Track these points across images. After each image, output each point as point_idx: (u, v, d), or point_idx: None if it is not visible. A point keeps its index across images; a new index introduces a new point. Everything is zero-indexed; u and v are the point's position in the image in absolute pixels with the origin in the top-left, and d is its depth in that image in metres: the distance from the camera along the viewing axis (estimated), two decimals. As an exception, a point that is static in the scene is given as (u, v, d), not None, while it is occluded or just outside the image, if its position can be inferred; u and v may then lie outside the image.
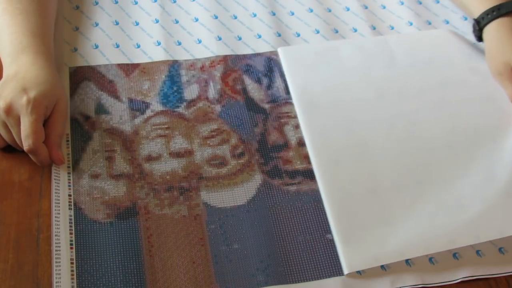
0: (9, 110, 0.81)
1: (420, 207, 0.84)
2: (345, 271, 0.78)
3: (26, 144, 0.80)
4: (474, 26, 1.02)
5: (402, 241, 0.81)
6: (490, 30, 0.99)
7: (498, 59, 0.97)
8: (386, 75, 1.00)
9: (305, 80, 0.98)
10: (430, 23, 1.11)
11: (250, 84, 0.97)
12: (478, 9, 1.01)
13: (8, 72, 0.85)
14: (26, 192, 0.83)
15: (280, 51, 1.02)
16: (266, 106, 0.95)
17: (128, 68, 0.98)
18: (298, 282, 0.77)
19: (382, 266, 0.79)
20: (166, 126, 0.91)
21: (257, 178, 0.86)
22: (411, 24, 1.10)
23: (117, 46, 1.01)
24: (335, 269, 0.78)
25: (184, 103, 0.94)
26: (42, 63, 0.86)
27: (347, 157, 0.89)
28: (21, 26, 0.89)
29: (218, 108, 0.94)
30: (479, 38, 1.02)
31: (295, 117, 0.94)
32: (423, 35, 1.09)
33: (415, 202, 0.85)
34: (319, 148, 0.89)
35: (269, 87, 0.97)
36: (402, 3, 1.14)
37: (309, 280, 0.77)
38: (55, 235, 0.77)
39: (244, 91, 0.96)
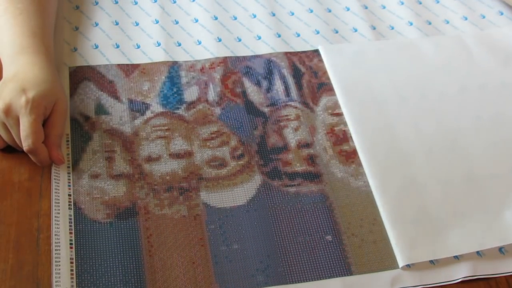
0: (8, 110, 0.80)
1: None
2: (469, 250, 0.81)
3: (25, 144, 0.80)
4: None
5: (504, 226, 0.83)
6: None
7: None
8: (467, 71, 1.03)
9: (365, 77, 1.00)
10: (430, 23, 1.11)
11: (250, 87, 0.97)
12: None
13: (8, 72, 0.85)
14: (26, 192, 0.83)
15: (322, 50, 1.04)
16: (266, 109, 0.95)
17: (128, 69, 0.97)
18: (298, 283, 0.77)
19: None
20: (166, 127, 0.91)
21: (257, 179, 0.86)
22: (411, 24, 1.10)
23: (117, 47, 1.01)
24: (334, 270, 0.78)
25: (184, 105, 0.94)
26: (42, 63, 0.86)
27: (438, 147, 0.92)
28: (21, 26, 0.89)
29: (218, 110, 0.94)
30: None
31: (295, 119, 0.94)
32: (497, 31, 1.11)
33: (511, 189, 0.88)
34: (379, 143, 0.91)
35: (268, 90, 0.97)
36: (402, 3, 1.14)
37: (309, 281, 0.78)
38: (55, 235, 0.77)
39: (244, 94, 0.96)
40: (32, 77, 0.84)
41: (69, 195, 0.82)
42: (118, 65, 0.98)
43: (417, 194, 0.86)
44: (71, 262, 0.76)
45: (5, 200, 0.82)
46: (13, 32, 0.89)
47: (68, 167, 0.85)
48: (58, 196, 0.81)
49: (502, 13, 1.14)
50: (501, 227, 0.83)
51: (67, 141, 0.87)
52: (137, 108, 0.93)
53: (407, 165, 0.89)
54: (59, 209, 0.80)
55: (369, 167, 0.88)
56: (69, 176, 0.84)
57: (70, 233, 0.78)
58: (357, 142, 0.91)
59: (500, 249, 0.82)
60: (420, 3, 1.14)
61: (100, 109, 0.92)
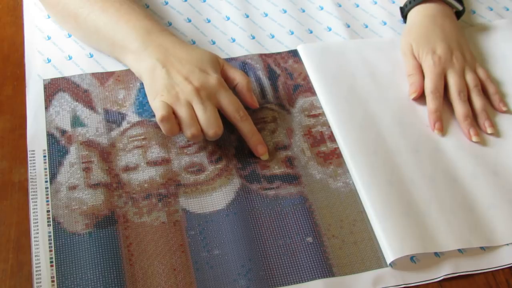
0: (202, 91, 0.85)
1: (499, 193, 0.88)
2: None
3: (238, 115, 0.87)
4: (400, 12, 1.10)
5: (490, 225, 0.84)
6: (409, 16, 1.07)
7: (405, 40, 1.04)
8: None
9: (346, 75, 1.00)
10: (404, 23, 1.11)
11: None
12: None
13: (147, 57, 0.88)
14: (26, 192, 0.83)
15: (300, 49, 1.04)
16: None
17: (103, 77, 0.97)
18: (280, 286, 0.77)
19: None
20: (142, 137, 0.90)
21: (236, 182, 0.86)
22: (385, 23, 1.11)
23: (91, 56, 0.99)
24: (316, 272, 0.78)
25: (160, 112, 0.93)
26: (175, 37, 0.93)
27: (423, 144, 0.92)
28: (128, 14, 0.92)
29: (194, 115, 0.93)
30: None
31: (271, 122, 0.94)
32: (493, 25, 1.13)
33: (494, 188, 0.88)
34: (364, 139, 0.91)
35: (244, 92, 0.97)
36: (375, 3, 1.14)
37: (291, 284, 0.78)
38: (35, 256, 0.77)
39: (220, 97, 0.96)
40: (192, 55, 0.89)
41: (48, 211, 0.81)
42: (93, 73, 0.97)
43: (405, 190, 0.86)
44: (52, 281, 0.75)
45: (5, 200, 0.82)
46: (127, 20, 0.91)
47: (46, 181, 0.84)
48: (37, 215, 0.81)
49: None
50: (487, 226, 0.84)
51: (44, 156, 0.86)
52: (113, 119, 0.92)
53: (394, 161, 0.89)
54: (37, 228, 0.79)
55: (355, 163, 0.88)
56: (47, 192, 0.83)
57: (50, 251, 0.78)
58: (341, 139, 0.91)
59: (481, 246, 0.82)
60: (394, 2, 1.14)
61: (76, 121, 0.91)
